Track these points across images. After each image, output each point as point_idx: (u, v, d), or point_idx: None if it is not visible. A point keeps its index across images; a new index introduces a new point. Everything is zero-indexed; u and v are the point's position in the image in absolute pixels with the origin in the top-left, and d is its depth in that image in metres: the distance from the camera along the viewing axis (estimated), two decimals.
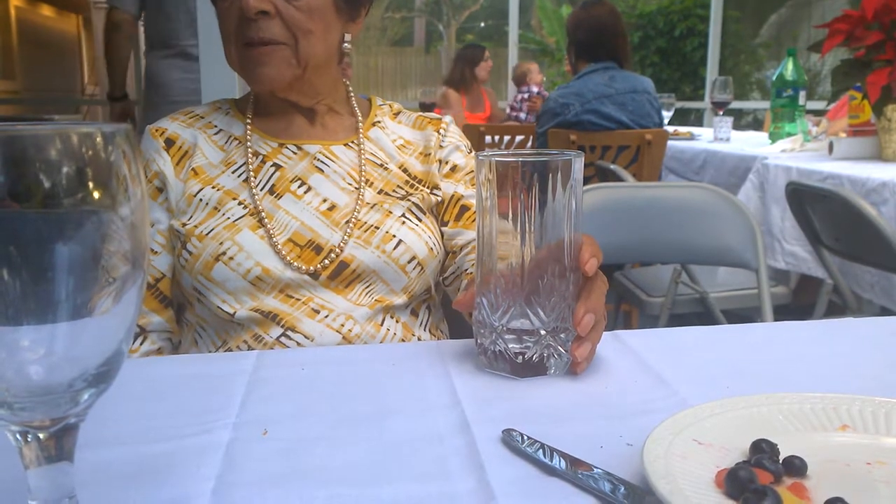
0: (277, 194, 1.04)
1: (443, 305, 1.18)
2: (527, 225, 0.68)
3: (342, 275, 1.01)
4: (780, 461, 0.50)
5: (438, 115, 1.18)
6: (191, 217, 1.03)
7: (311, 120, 1.11)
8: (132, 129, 0.39)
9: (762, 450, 0.51)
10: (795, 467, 0.50)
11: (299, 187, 1.05)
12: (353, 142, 1.11)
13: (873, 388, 0.65)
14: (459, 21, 12.51)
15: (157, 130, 1.09)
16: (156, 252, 1.05)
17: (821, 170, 2.25)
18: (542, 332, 0.69)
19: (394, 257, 1.02)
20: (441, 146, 1.13)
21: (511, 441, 0.56)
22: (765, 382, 0.69)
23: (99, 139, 0.36)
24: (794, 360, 0.76)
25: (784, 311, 2.13)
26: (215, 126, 1.11)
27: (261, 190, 1.04)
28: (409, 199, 1.07)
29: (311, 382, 0.71)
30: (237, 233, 1.00)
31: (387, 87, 11.22)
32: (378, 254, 1.02)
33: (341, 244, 1.02)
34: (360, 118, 1.13)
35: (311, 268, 1.00)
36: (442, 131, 1.14)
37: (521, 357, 0.70)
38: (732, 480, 0.47)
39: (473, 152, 1.14)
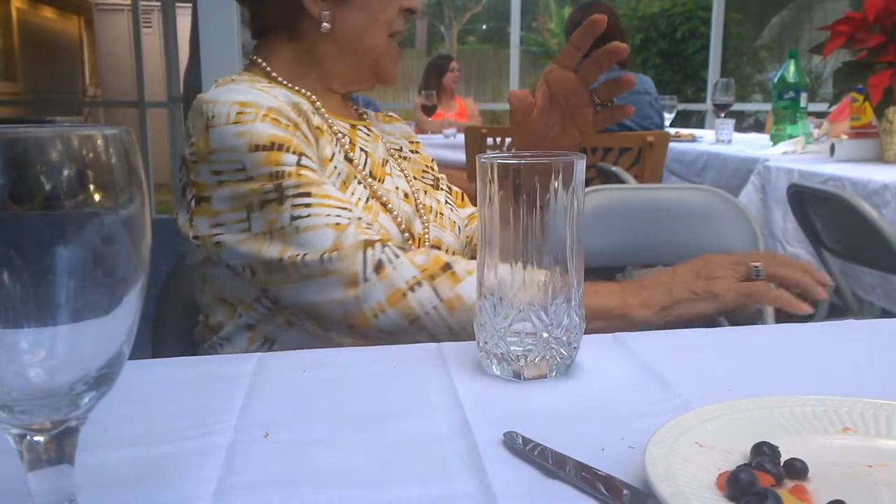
0: (378, 178, 0.97)
1: None
2: (528, 227, 0.68)
3: None
4: (782, 464, 0.50)
5: (393, 114, 1.18)
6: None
7: (345, 100, 1.08)
8: (132, 131, 0.39)
9: (763, 452, 0.51)
10: (796, 470, 0.50)
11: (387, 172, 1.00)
12: (372, 129, 1.08)
13: (875, 391, 0.65)
14: (461, 23, 12.52)
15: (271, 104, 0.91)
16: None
17: (822, 172, 2.25)
18: (545, 335, 0.69)
19: (460, 239, 1.03)
20: (412, 135, 1.15)
21: (512, 443, 0.56)
22: (766, 385, 0.69)
23: (100, 141, 0.36)
24: (796, 363, 0.76)
25: (785, 313, 2.13)
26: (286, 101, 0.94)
27: (366, 173, 0.96)
28: (438, 181, 1.08)
29: (311, 384, 0.71)
30: (375, 217, 0.92)
31: (388, 88, 11.21)
32: (455, 234, 1.02)
33: (424, 230, 0.98)
34: (356, 106, 1.12)
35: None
36: (404, 122, 1.15)
37: (522, 359, 0.70)
38: (734, 483, 0.47)
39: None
